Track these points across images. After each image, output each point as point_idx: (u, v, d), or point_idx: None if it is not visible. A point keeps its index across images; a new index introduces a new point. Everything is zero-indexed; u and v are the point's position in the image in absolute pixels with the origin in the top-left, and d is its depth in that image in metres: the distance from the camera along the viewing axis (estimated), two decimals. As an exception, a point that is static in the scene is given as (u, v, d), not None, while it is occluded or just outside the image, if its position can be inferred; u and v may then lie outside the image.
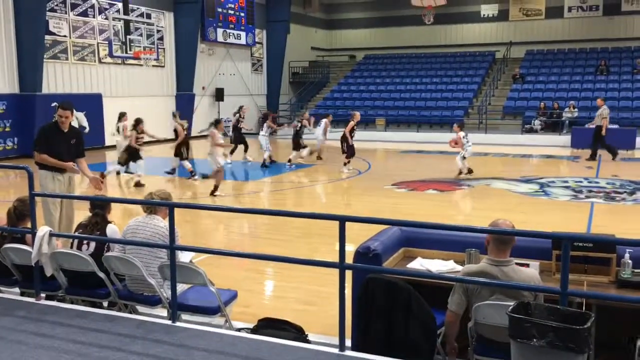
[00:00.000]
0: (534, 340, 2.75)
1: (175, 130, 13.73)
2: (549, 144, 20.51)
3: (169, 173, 13.63)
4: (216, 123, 11.75)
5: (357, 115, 14.87)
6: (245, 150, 16.28)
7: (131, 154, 12.66)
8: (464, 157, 13.47)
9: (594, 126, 16.82)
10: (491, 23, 30.30)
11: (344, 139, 14.43)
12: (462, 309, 3.47)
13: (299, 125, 15.85)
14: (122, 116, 14.16)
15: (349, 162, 14.63)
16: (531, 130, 22.19)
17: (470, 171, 13.56)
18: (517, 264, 3.52)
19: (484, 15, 30.39)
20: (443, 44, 30.62)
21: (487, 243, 3.54)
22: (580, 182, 12.90)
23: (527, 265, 3.70)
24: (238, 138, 16.50)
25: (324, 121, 16.41)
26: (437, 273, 3.97)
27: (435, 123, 24.45)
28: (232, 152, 16.48)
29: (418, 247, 4.45)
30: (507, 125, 23.60)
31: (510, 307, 2.96)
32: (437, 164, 14.80)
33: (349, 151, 14.43)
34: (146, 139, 13.07)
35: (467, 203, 10.83)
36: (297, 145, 15.58)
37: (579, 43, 27.83)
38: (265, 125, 15.92)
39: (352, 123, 14.44)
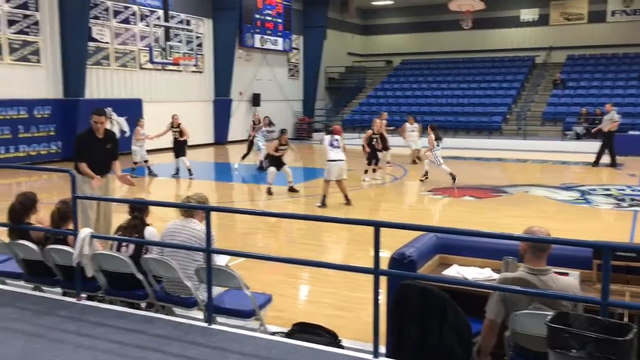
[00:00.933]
0: (573, 351, 2.69)
1: (181, 131, 14.43)
2: (590, 151, 20.01)
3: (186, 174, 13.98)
4: (328, 130, 11.89)
5: (377, 122, 14.29)
6: (245, 155, 16.32)
7: (274, 163, 12.42)
8: (431, 161, 13.29)
9: (606, 130, 16.67)
10: (531, 28, 29.75)
11: (363, 148, 14.12)
12: (501, 317, 3.41)
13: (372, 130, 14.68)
14: (138, 120, 14.55)
15: (374, 170, 14.12)
16: (578, 137, 21.70)
17: (426, 176, 13.49)
18: (556, 272, 3.44)
19: (523, 19, 29.90)
20: (481, 49, 30.21)
21: (522, 252, 3.47)
22: (623, 190, 12.56)
23: (567, 274, 3.62)
24: (249, 142, 16.66)
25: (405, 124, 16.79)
26: (474, 281, 3.92)
27: (472, 129, 24.17)
28: (243, 157, 16.37)
29: (454, 254, 4.40)
30: (546, 132, 23.17)
31: (549, 317, 2.90)
32: (474, 171, 14.61)
33: (370, 157, 13.90)
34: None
35: (504, 210, 10.66)
36: (386, 148, 14.98)
37: (623, 48, 27.10)
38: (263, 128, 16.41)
39: (369, 132, 14.03)
